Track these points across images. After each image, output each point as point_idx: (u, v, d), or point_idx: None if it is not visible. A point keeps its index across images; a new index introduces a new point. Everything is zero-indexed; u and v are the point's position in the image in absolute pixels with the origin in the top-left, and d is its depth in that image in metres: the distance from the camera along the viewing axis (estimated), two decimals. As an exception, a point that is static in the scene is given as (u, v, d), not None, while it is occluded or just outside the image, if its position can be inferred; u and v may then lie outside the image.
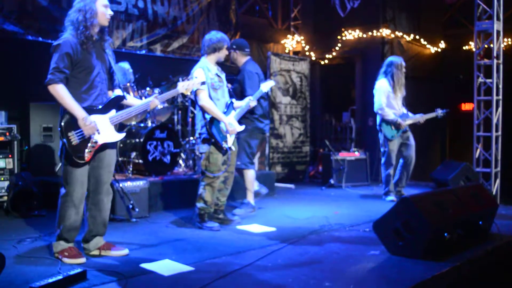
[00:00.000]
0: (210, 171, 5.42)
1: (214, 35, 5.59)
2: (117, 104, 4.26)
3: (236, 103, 5.72)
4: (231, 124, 5.42)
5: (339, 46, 10.95)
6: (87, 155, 4.03)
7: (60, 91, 3.94)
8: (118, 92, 4.38)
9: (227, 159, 5.63)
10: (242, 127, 5.69)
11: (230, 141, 5.50)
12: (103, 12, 4.14)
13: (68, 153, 4.01)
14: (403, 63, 7.37)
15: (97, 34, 4.19)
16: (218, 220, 5.68)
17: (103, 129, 4.13)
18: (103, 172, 4.26)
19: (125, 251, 4.38)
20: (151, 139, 6.96)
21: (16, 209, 5.87)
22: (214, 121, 5.40)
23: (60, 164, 6.62)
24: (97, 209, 4.30)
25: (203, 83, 5.01)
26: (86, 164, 4.12)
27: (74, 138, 3.99)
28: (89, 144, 4.04)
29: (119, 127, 4.37)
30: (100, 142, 4.10)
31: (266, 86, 6.01)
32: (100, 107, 4.15)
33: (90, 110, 4.08)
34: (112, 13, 4.23)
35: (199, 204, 5.49)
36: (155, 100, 4.39)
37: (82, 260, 4.05)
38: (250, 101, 5.79)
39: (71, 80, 4.04)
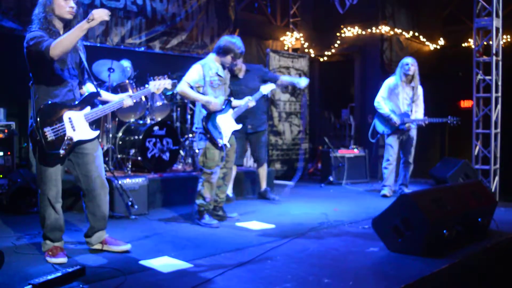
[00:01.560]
0: (208, 166, 5.43)
1: (229, 38, 5.58)
2: (92, 100, 4.21)
3: (234, 102, 5.76)
4: (210, 102, 5.39)
5: (338, 43, 10.95)
6: (62, 152, 3.97)
7: (57, 41, 3.78)
8: (90, 87, 4.33)
9: (225, 155, 5.67)
10: (239, 126, 5.72)
11: (226, 138, 5.51)
12: (61, 5, 4.00)
13: (42, 151, 3.96)
14: (405, 61, 7.41)
15: (63, 28, 4.08)
16: (217, 217, 5.69)
17: (78, 126, 4.07)
18: (90, 168, 4.19)
19: (128, 246, 4.38)
20: (150, 136, 6.95)
21: (14, 206, 5.87)
22: (210, 116, 5.42)
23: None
24: (95, 205, 4.27)
25: (173, 84, 4.97)
26: (61, 162, 4.08)
27: (50, 134, 3.93)
28: (65, 140, 3.98)
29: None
30: (75, 139, 4.05)
31: (266, 89, 6.10)
32: (76, 103, 4.10)
33: (65, 107, 4.02)
34: (74, 5, 4.05)
35: (198, 201, 5.51)
36: (129, 99, 4.38)
37: (63, 260, 4.02)
38: (249, 101, 5.83)
39: (40, 76, 3.99)
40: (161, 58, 9.00)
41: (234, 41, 5.54)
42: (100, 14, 3.81)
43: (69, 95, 4.11)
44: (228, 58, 5.55)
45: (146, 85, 4.65)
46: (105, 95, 4.41)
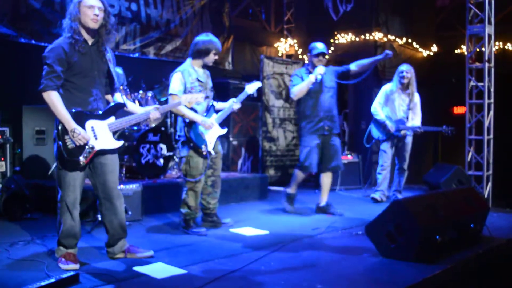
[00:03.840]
0: (191, 175, 5.34)
1: (203, 38, 5.40)
2: (117, 111, 4.20)
3: (218, 105, 5.60)
4: (205, 121, 5.27)
5: (332, 49, 10.98)
6: (82, 160, 3.99)
7: (54, 99, 3.90)
8: (118, 96, 4.35)
9: (212, 163, 5.58)
10: (224, 130, 5.56)
11: (210, 145, 5.39)
12: (86, 13, 4.00)
13: (62, 157, 3.98)
14: (401, 68, 7.46)
15: (91, 37, 4.12)
16: (210, 224, 5.68)
17: (101, 135, 4.08)
18: (109, 177, 4.19)
19: (150, 252, 4.40)
20: (144, 142, 6.95)
21: (8, 212, 5.85)
22: (192, 124, 5.29)
23: (52, 167, 6.62)
24: (111, 213, 4.26)
25: (206, 97, 4.80)
26: (80, 170, 4.07)
27: (70, 142, 3.94)
28: (86, 148, 3.99)
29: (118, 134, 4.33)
30: (97, 148, 4.05)
31: (251, 88, 5.79)
32: (100, 112, 4.11)
33: (89, 116, 4.04)
34: (98, 13, 4.04)
35: (183, 210, 5.44)
36: (156, 112, 4.30)
37: (75, 266, 4.02)
38: (233, 103, 5.62)
39: (65, 84, 4.01)
40: (155, 64, 9.00)
41: (209, 38, 5.40)
42: (81, 142, 3.95)
43: (94, 104, 4.11)
44: (211, 57, 5.43)
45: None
46: (131, 106, 4.39)
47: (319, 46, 6.50)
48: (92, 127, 4.04)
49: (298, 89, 6.36)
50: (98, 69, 4.16)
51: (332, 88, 6.59)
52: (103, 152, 4.13)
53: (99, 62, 4.17)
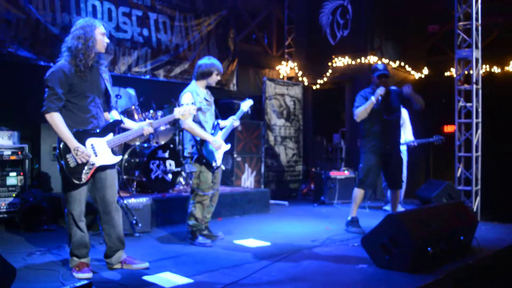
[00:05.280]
0: (202, 189, 5.35)
1: (205, 61, 5.47)
2: (115, 128, 4.20)
3: (221, 123, 5.62)
4: (216, 141, 5.33)
5: (330, 72, 11.03)
6: (84, 177, 3.97)
7: (56, 120, 3.89)
8: (114, 114, 4.35)
9: (213, 177, 5.55)
10: (228, 146, 5.59)
11: (219, 161, 5.45)
12: (101, 39, 4.08)
13: (65, 176, 3.97)
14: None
15: (92, 59, 4.11)
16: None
17: (100, 152, 4.06)
18: (107, 192, 4.18)
19: (146, 264, 4.35)
20: (154, 158, 6.97)
21: (26, 224, 5.85)
22: (204, 142, 5.32)
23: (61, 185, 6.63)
24: (110, 227, 4.25)
25: (199, 108, 4.79)
26: (84, 184, 4.06)
27: (71, 160, 3.93)
28: (86, 167, 3.97)
29: (124, 147, 4.33)
30: (97, 164, 4.04)
31: (246, 105, 5.80)
32: (98, 130, 4.09)
33: (88, 134, 4.03)
34: (108, 41, 4.17)
35: (191, 222, 5.41)
36: (149, 127, 4.28)
37: (89, 275, 4.03)
38: (233, 121, 5.65)
39: (67, 105, 4.00)
40: (165, 86, 9.06)
41: (211, 61, 5.46)
42: (83, 160, 3.95)
43: (95, 122, 4.10)
44: (214, 77, 5.46)
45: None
46: (128, 122, 4.38)
47: (380, 67, 6.22)
48: (92, 144, 4.03)
49: (360, 111, 6.10)
50: (98, 89, 4.15)
51: (397, 109, 6.26)
52: (103, 168, 4.12)
53: (98, 83, 4.16)
